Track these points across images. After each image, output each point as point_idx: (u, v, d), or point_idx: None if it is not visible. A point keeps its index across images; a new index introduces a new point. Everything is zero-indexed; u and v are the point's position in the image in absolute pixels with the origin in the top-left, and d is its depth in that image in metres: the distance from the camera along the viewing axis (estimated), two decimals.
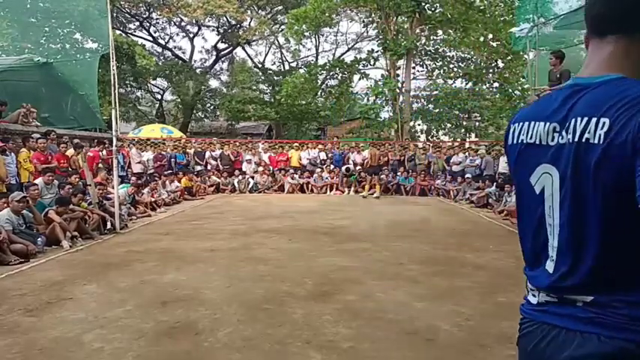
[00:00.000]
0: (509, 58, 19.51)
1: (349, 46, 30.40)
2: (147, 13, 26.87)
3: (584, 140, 0.94)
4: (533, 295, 1.11)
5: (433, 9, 20.24)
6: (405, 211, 10.81)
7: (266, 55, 31.92)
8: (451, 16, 18.98)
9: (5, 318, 3.68)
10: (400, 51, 18.50)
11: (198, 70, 29.42)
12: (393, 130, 19.68)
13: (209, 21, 27.45)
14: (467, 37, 19.59)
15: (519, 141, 1.12)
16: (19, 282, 4.75)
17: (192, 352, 3.08)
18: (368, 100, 20.83)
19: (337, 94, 23.31)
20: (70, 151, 9.62)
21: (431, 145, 18.14)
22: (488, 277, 5.04)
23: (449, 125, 21.19)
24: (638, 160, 0.84)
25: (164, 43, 29.46)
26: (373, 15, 21.95)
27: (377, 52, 21.04)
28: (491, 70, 20.65)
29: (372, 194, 13.81)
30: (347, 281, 4.76)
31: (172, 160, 14.58)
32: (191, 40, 29.53)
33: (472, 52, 20.90)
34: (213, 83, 31.95)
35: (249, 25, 27.68)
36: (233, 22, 27.55)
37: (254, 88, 30.97)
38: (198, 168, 15.26)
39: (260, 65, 31.44)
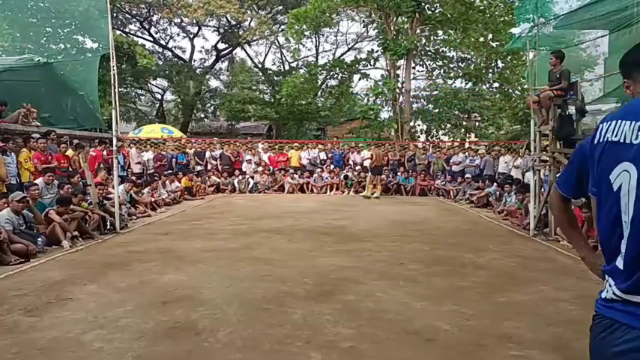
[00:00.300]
0: (509, 58, 19.52)
1: (349, 46, 30.41)
2: (147, 13, 26.85)
3: None
4: (606, 290, 1.16)
5: (433, 9, 20.25)
6: (405, 211, 10.81)
7: (266, 55, 31.95)
8: (451, 16, 18.99)
9: (5, 318, 3.68)
10: (400, 51, 18.51)
11: (198, 70, 29.40)
12: (393, 130, 19.68)
13: (209, 21, 27.43)
14: (467, 37, 19.60)
15: (605, 139, 1.16)
16: (19, 282, 4.75)
17: (192, 352, 3.08)
18: (368, 100, 20.85)
19: (337, 94, 23.33)
20: (70, 151, 9.63)
21: (431, 145, 18.14)
22: (488, 277, 5.04)
23: (449, 125, 21.18)
24: None
25: (164, 44, 29.47)
26: (373, 15, 21.94)
27: (377, 52, 21.06)
28: (491, 70, 20.66)
29: (373, 194, 13.78)
30: (347, 281, 4.76)
31: (173, 160, 14.61)
32: (191, 40, 29.54)
33: (472, 52, 20.91)
34: (214, 83, 31.98)
35: (250, 25, 27.67)
36: (233, 22, 27.53)
37: (254, 88, 30.96)
38: (199, 168, 15.27)
39: (260, 65, 31.44)
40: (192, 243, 6.77)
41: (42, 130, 9.57)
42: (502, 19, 18.48)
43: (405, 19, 19.68)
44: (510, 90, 20.23)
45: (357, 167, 15.27)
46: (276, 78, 28.77)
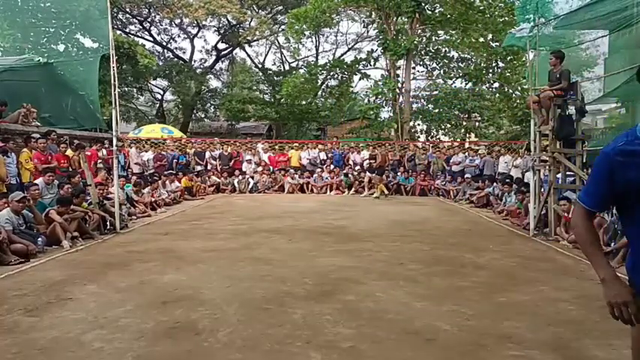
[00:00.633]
0: (510, 58, 19.53)
1: (349, 47, 30.44)
2: (148, 13, 26.86)
3: None
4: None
5: (433, 9, 20.26)
6: (405, 211, 10.81)
7: (266, 55, 31.98)
8: (451, 17, 19.01)
9: (5, 318, 3.68)
10: (400, 51, 18.52)
11: (198, 70, 29.40)
12: (392, 130, 19.69)
13: (210, 21, 27.45)
14: (467, 37, 19.60)
15: None
16: (19, 282, 4.75)
17: (192, 352, 3.08)
18: (368, 100, 20.85)
19: (337, 94, 23.35)
20: (70, 151, 9.63)
21: (431, 145, 18.15)
22: (488, 277, 5.04)
23: (449, 125, 21.20)
24: None
25: (165, 44, 29.47)
26: (373, 15, 21.97)
27: (377, 52, 21.07)
28: (491, 71, 20.67)
29: (372, 194, 13.79)
30: (347, 281, 4.76)
31: (174, 160, 14.62)
32: (191, 40, 29.54)
33: (472, 53, 20.92)
34: (214, 83, 32.00)
35: (250, 25, 27.68)
36: (233, 22, 27.54)
37: (254, 88, 30.98)
38: (199, 168, 15.28)
39: (260, 65, 31.46)
40: (192, 243, 6.77)
41: (42, 130, 9.57)
42: (502, 19, 18.48)
43: (405, 19, 19.70)
44: (510, 90, 20.24)
45: (357, 167, 15.27)
46: (276, 78, 28.79)
